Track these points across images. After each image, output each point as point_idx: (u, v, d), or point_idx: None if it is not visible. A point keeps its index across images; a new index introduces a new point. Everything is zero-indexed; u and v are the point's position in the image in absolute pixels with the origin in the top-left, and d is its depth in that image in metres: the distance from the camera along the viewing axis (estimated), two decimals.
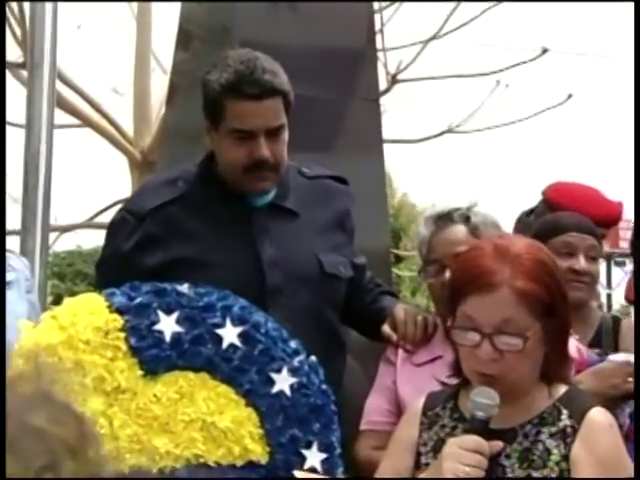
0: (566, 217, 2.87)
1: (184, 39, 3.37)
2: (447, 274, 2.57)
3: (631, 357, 2.46)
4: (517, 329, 1.84)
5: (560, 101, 9.71)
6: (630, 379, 2.41)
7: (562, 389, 1.93)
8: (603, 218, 3.03)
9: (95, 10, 14.13)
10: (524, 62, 9.35)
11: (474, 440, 1.83)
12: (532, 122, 10.00)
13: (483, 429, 1.84)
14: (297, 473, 2.02)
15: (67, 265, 17.71)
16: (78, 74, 9.36)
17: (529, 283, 1.85)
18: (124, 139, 9.33)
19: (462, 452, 1.81)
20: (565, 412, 1.89)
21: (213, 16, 3.23)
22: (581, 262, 2.74)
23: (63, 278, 17.28)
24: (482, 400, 1.85)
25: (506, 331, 1.84)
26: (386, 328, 2.61)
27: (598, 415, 1.88)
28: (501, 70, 9.42)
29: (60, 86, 8.43)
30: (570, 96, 9.66)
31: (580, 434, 1.85)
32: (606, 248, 3.24)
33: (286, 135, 2.43)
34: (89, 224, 9.63)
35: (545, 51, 9.23)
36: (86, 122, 9.37)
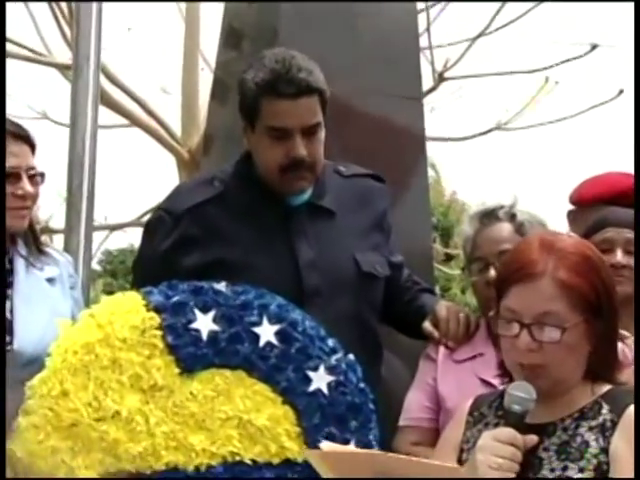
0: (604, 213, 2.84)
1: (232, 38, 3.38)
2: (492, 272, 2.55)
3: None
4: (557, 321, 1.84)
5: (611, 97, 9.58)
6: None
7: (606, 387, 1.92)
8: (616, 194, 3.01)
9: (145, 12, 14.26)
10: (574, 58, 9.24)
11: (508, 432, 1.82)
12: (582, 119, 9.89)
13: (519, 422, 1.84)
14: (323, 444, 1.99)
15: (120, 262, 17.91)
16: (127, 75, 9.45)
17: (572, 275, 1.85)
18: (172, 138, 9.38)
19: (496, 444, 1.81)
20: (606, 407, 1.87)
21: (261, 16, 3.24)
22: (618, 256, 2.70)
23: (115, 275, 17.48)
24: (518, 393, 1.85)
25: (545, 322, 1.84)
26: (428, 325, 2.60)
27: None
28: (550, 67, 9.30)
29: (109, 87, 8.50)
30: (621, 92, 9.52)
31: (620, 427, 1.83)
32: None
33: (323, 134, 2.42)
34: (138, 223, 9.71)
35: (595, 47, 9.11)
36: (135, 122, 9.45)
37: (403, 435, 2.62)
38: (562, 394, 1.90)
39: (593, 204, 3.08)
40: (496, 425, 1.94)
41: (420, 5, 7.09)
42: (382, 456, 1.83)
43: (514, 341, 1.87)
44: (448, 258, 13.36)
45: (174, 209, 2.46)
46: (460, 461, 1.96)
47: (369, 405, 2.18)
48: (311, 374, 2.14)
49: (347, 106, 3.02)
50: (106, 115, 8.64)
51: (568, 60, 9.29)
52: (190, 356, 2.10)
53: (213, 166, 3.16)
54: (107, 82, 8.39)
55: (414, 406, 2.63)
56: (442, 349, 2.64)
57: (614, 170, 3.39)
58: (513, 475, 1.80)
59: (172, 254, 2.41)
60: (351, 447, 2.06)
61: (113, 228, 9.86)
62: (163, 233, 2.45)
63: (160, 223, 2.47)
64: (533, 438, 1.84)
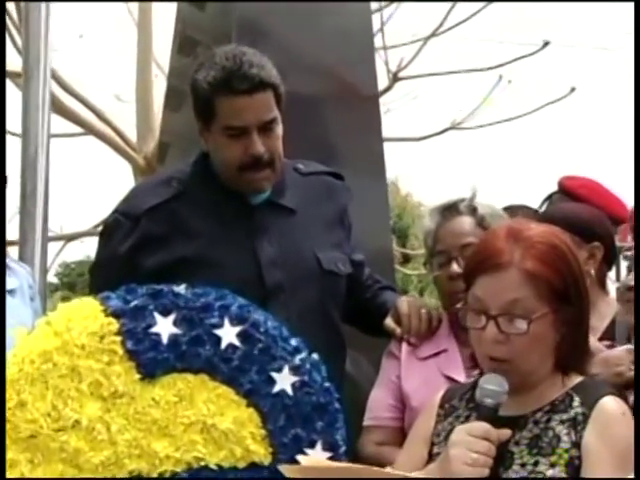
0: (558, 211, 2.86)
1: (186, 44, 3.37)
2: (454, 266, 2.55)
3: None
4: (524, 312, 1.83)
5: (563, 94, 9.68)
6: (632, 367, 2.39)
7: (577, 379, 1.91)
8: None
9: (96, 18, 14.17)
10: (525, 56, 9.32)
11: (482, 426, 1.81)
12: (536, 116, 9.97)
13: (492, 416, 1.83)
14: (301, 459, 1.99)
15: (77, 275, 17.76)
16: (81, 82, 9.36)
17: (538, 265, 1.84)
18: (128, 146, 9.32)
19: (469, 439, 1.80)
20: (577, 399, 1.87)
21: (215, 22, 3.23)
22: None
23: (73, 288, 17.32)
24: (490, 387, 1.83)
25: (512, 313, 1.83)
26: (389, 322, 2.58)
27: (610, 402, 1.85)
28: (503, 65, 9.39)
29: (63, 95, 8.42)
30: (573, 89, 9.62)
31: (591, 421, 1.83)
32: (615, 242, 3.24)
33: (280, 129, 2.41)
34: (94, 232, 9.62)
35: (546, 44, 9.20)
36: (90, 130, 9.37)
37: (368, 435, 2.60)
38: (533, 387, 1.89)
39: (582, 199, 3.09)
40: (467, 418, 1.93)
41: (374, 5, 7.11)
42: (363, 469, 1.81)
43: (481, 333, 1.86)
44: (405, 259, 13.41)
45: (132, 211, 2.43)
46: (431, 454, 1.94)
47: (335, 404, 2.16)
48: (275, 375, 2.10)
49: (304, 106, 3.00)
50: (60, 123, 8.57)
51: (520, 58, 9.38)
52: (151, 361, 2.06)
53: None
54: (60, 90, 8.32)
55: (378, 405, 2.62)
56: (405, 346, 2.62)
57: (573, 168, 3.44)
58: (487, 470, 1.78)
59: (132, 256, 2.39)
60: (330, 462, 2.03)
61: (69, 238, 9.77)
62: (121, 235, 2.42)
63: (117, 226, 2.44)
64: (506, 432, 1.82)
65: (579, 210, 2.91)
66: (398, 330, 2.58)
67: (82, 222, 10.31)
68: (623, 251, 2.99)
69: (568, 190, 3.16)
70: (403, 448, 2.08)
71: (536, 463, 1.83)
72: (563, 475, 1.80)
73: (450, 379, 2.53)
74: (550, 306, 1.85)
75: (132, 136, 9.53)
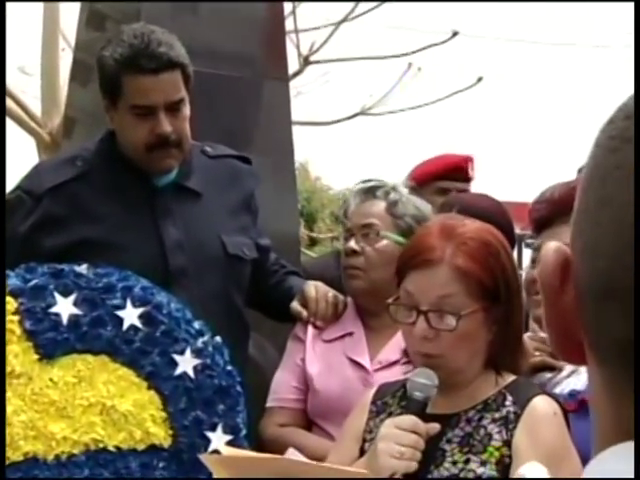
0: (450, 199, 2.95)
1: (95, 18, 3.29)
2: (351, 242, 2.57)
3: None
4: (453, 308, 1.82)
5: (471, 84, 9.81)
6: (537, 352, 2.43)
7: (510, 378, 1.91)
8: (449, 169, 3.27)
9: None
10: (435, 44, 9.42)
11: (410, 419, 1.79)
12: (444, 104, 10.09)
13: (421, 410, 1.81)
14: (223, 449, 1.96)
15: None
16: None
17: (469, 262, 1.83)
18: (32, 120, 9.12)
19: (397, 432, 1.78)
20: (510, 399, 1.86)
21: None
22: None
23: None
24: (420, 380, 1.82)
25: (442, 309, 1.83)
26: (296, 305, 2.58)
27: (542, 402, 1.85)
28: (413, 52, 9.46)
29: None
30: (480, 79, 9.76)
31: (522, 420, 1.83)
32: (517, 230, 3.30)
33: (187, 110, 2.38)
34: None
35: (455, 34, 9.30)
36: None
37: (270, 416, 2.60)
38: (465, 385, 1.88)
39: (428, 180, 3.23)
40: (400, 415, 1.90)
41: None
42: (284, 461, 1.81)
43: (411, 328, 1.85)
44: (312, 243, 13.45)
45: (34, 189, 2.37)
46: (362, 451, 1.93)
47: (237, 388, 2.15)
48: (177, 358, 2.09)
49: (213, 86, 2.97)
50: None
51: (430, 46, 9.47)
52: (50, 341, 2.03)
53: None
54: None
55: (282, 387, 2.62)
56: (311, 329, 2.63)
57: (461, 152, 3.58)
58: (415, 464, 1.77)
59: (33, 235, 2.33)
60: (252, 452, 2.02)
61: None
62: (22, 214, 2.36)
63: (19, 203, 2.38)
64: (435, 426, 1.80)
65: (478, 200, 2.96)
66: (304, 313, 2.58)
67: None
68: (525, 239, 3.04)
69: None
70: (334, 446, 2.06)
71: (467, 461, 1.83)
72: (494, 473, 1.81)
73: (354, 362, 2.55)
74: (480, 304, 1.84)
75: (37, 110, 9.32)
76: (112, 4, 3.22)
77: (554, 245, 0.66)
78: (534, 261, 2.38)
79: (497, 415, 1.85)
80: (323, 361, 2.58)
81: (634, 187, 0.59)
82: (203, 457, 1.90)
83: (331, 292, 2.63)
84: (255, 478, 1.77)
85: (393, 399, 1.96)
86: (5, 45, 5.20)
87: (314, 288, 2.60)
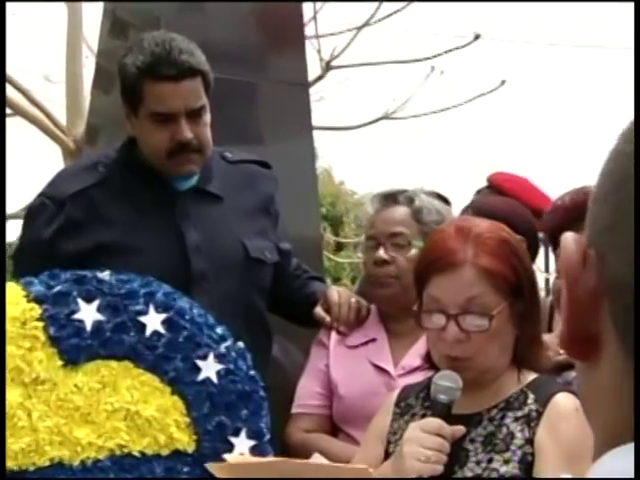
0: (481, 205, 2.90)
1: (117, 26, 3.31)
2: (380, 252, 2.56)
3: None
4: (482, 308, 1.82)
5: (494, 87, 9.79)
6: (561, 351, 2.42)
7: (532, 376, 1.91)
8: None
9: None
10: (457, 48, 9.40)
11: (435, 423, 1.80)
12: (467, 108, 10.08)
13: (446, 413, 1.81)
14: (228, 457, 1.99)
15: (7, 257, 17.42)
16: (9, 62, 9.20)
17: (493, 261, 1.84)
18: (57, 128, 9.19)
19: (423, 435, 1.78)
20: (532, 397, 1.87)
21: (146, 5, 3.19)
22: None
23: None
24: (444, 383, 1.82)
25: (471, 311, 1.82)
26: (319, 310, 2.59)
27: (563, 399, 1.85)
28: (435, 56, 9.46)
29: None
30: (503, 82, 9.74)
31: (544, 418, 1.83)
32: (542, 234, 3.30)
33: (208, 117, 2.39)
34: (22, 215, 9.46)
35: (477, 37, 9.29)
36: (18, 111, 9.21)
37: (295, 423, 2.61)
38: (489, 383, 1.88)
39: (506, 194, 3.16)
40: (423, 416, 1.91)
41: None
42: (289, 463, 1.81)
43: (441, 333, 1.84)
44: (338, 247, 13.46)
45: (57, 195, 2.39)
46: (387, 453, 1.93)
47: (260, 392, 2.16)
48: (200, 363, 2.10)
49: (233, 92, 2.99)
50: None
51: (452, 50, 9.46)
52: (74, 347, 2.04)
53: None
54: None
55: (306, 393, 2.63)
56: (334, 335, 2.63)
57: (501, 159, 3.52)
58: (441, 467, 1.77)
59: (56, 241, 2.35)
60: (256, 458, 2.03)
61: None
62: (46, 220, 2.38)
63: (42, 209, 2.40)
64: (460, 429, 1.81)
65: (500, 204, 2.95)
66: (327, 318, 2.58)
67: (10, 204, 10.14)
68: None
69: (494, 184, 3.22)
70: (360, 448, 2.06)
71: (490, 460, 1.83)
72: (516, 472, 1.81)
73: (378, 368, 2.55)
74: (507, 300, 1.84)
75: (61, 118, 9.40)
76: (134, 11, 3.25)
77: (573, 235, 0.67)
78: (559, 271, 2.38)
79: (519, 413, 1.86)
80: (347, 367, 2.58)
81: (634, 189, 0.60)
82: (208, 465, 1.92)
83: (354, 297, 2.63)
84: (257, 478, 1.78)
85: (416, 400, 1.97)
86: (5, 45, 5.20)
87: (337, 293, 2.61)
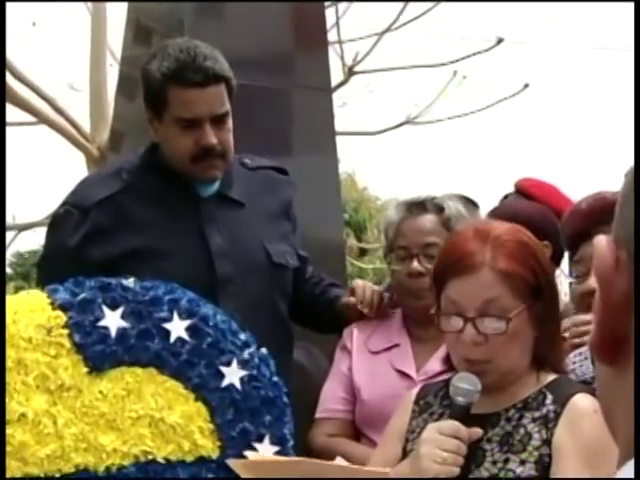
0: (507, 210, 2.89)
1: (141, 33, 3.34)
2: (415, 263, 2.55)
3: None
4: (500, 311, 1.82)
5: (517, 90, 9.75)
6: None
7: (551, 377, 1.90)
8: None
9: (50, 6, 13.99)
10: (480, 52, 9.37)
11: (453, 425, 1.80)
12: (490, 112, 10.04)
13: (463, 415, 1.81)
14: (250, 454, 1.99)
15: (32, 265, 17.55)
16: (33, 71, 9.26)
17: (511, 263, 1.83)
18: (81, 135, 9.23)
19: (440, 437, 1.78)
20: (550, 397, 1.86)
21: (169, 11, 3.20)
22: None
23: (27, 278, 17.11)
24: (463, 385, 1.82)
25: (489, 313, 1.82)
26: (345, 298, 2.61)
27: (582, 400, 1.84)
28: (457, 60, 9.42)
29: (15, 83, 8.33)
30: (527, 85, 9.69)
31: (563, 419, 1.82)
32: None
33: (231, 122, 2.41)
34: (47, 222, 9.50)
35: (500, 41, 9.24)
36: (42, 119, 9.26)
37: (319, 427, 2.61)
38: (509, 385, 1.88)
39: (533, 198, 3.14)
40: (441, 415, 1.92)
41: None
42: (309, 463, 1.82)
43: (459, 336, 1.84)
44: (361, 253, 13.45)
45: (82, 203, 2.41)
46: (405, 451, 1.94)
47: (283, 398, 2.16)
48: (224, 369, 2.10)
49: (255, 98, 3.00)
50: (13, 112, 8.46)
51: (475, 54, 9.42)
52: (99, 354, 2.05)
53: None
54: (13, 79, 8.22)
55: (329, 397, 2.63)
56: (357, 340, 2.63)
57: (525, 163, 3.51)
58: (457, 469, 1.77)
59: (82, 248, 2.37)
60: (276, 456, 2.03)
61: (22, 228, 9.65)
62: (71, 228, 2.40)
63: (67, 217, 2.42)
64: (478, 431, 1.81)
65: (527, 208, 2.94)
66: (352, 299, 2.59)
67: (35, 212, 10.21)
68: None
69: (521, 189, 3.20)
70: (378, 445, 2.06)
71: (507, 460, 1.82)
72: (533, 472, 1.80)
73: (401, 373, 2.55)
74: (525, 302, 1.84)
75: (85, 126, 9.44)
76: (157, 19, 3.27)
77: (605, 238, 0.67)
78: (578, 276, 2.36)
79: (537, 414, 1.85)
80: (370, 372, 2.58)
81: (634, 201, 0.60)
82: (230, 462, 1.92)
83: (376, 287, 2.66)
84: (278, 478, 1.78)
85: (435, 399, 1.97)
86: (5, 45, 5.21)
87: (362, 282, 2.67)
